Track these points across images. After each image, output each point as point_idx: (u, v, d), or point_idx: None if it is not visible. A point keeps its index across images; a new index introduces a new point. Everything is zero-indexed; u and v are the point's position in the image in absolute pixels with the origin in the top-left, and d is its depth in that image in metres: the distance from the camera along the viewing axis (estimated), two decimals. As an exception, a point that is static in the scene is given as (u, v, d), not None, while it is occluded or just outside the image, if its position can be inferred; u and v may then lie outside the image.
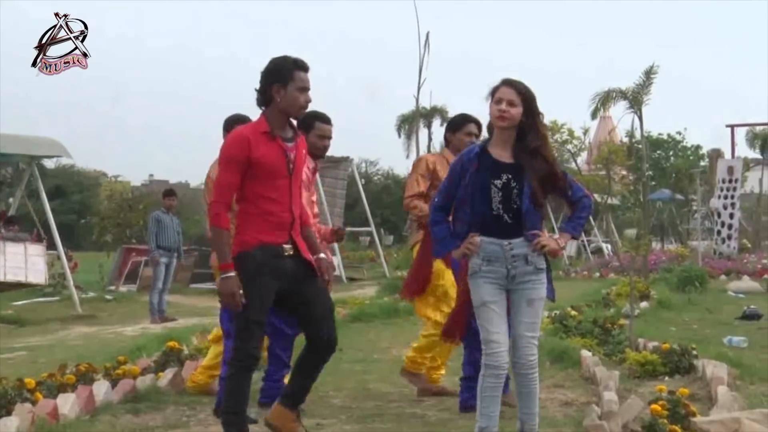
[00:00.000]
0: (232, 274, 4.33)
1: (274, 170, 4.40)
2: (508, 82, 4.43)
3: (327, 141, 5.84)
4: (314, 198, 5.95)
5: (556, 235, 4.55)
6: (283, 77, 4.43)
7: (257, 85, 4.49)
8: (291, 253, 4.45)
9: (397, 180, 46.63)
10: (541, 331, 8.70)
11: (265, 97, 4.47)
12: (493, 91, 4.43)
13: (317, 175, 6.04)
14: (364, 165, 47.34)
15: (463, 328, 5.01)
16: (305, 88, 4.48)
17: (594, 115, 23.34)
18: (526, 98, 4.40)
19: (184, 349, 7.32)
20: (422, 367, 6.23)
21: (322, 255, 4.65)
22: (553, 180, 4.43)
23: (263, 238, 4.39)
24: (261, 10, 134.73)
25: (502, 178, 4.36)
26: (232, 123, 6.14)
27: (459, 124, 6.03)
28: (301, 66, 4.48)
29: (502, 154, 4.41)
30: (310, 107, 4.68)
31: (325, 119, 5.83)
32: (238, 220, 4.46)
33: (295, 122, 4.64)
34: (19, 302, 15.09)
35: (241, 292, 4.33)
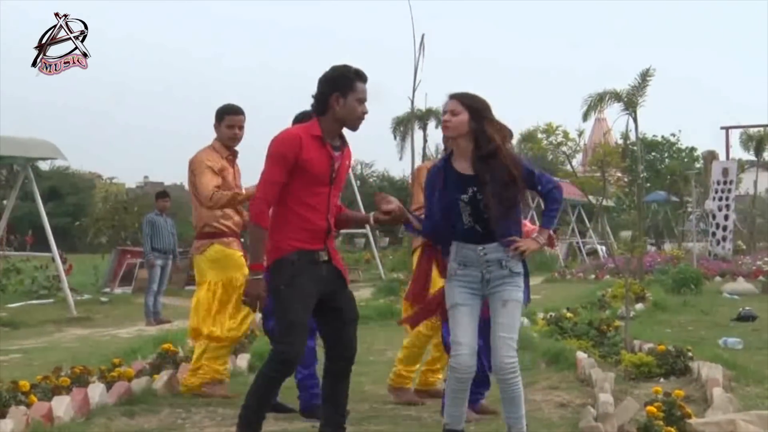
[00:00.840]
0: (261, 276, 4.32)
1: (319, 176, 4.36)
2: (451, 96, 4.49)
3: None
4: None
5: (535, 233, 4.60)
6: (343, 87, 4.40)
7: (314, 91, 4.44)
8: (326, 259, 4.43)
9: (392, 182, 46.61)
10: (536, 332, 8.86)
11: (322, 104, 4.42)
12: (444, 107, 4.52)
13: None
14: (359, 167, 47.35)
15: (420, 321, 5.20)
16: (364, 99, 4.46)
17: (586, 117, 23.32)
18: (470, 105, 4.43)
19: (179, 351, 7.30)
20: (407, 381, 6.18)
21: (371, 213, 4.71)
22: (513, 181, 4.40)
23: (299, 245, 4.35)
24: (255, 10, 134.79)
25: (468, 192, 4.39)
26: (223, 113, 6.21)
27: None
28: (361, 77, 4.47)
29: (464, 166, 4.45)
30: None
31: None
32: (273, 223, 4.38)
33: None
34: (14, 304, 15.05)
35: (264, 295, 4.31)
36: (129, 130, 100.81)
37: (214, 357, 6.22)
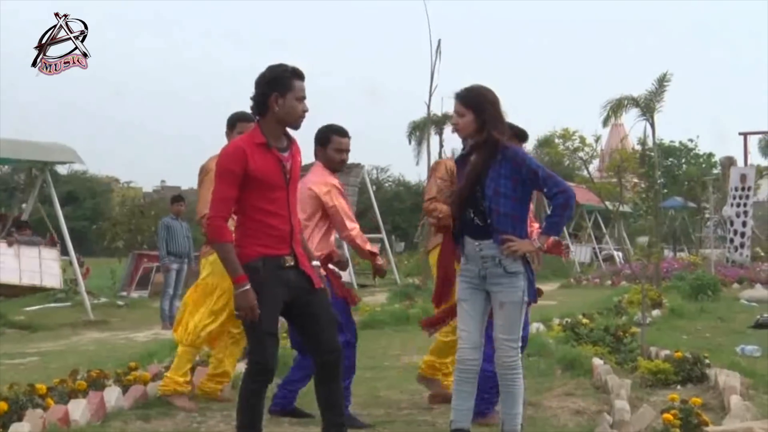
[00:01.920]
0: (248, 286, 4.21)
1: (271, 182, 4.30)
2: (455, 95, 4.59)
3: (345, 155, 5.76)
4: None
5: (534, 236, 4.61)
6: (281, 87, 4.32)
7: (252, 94, 4.37)
8: (292, 264, 4.36)
9: (408, 186, 46.65)
10: (552, 338, 8.83)
11: (261, 106, 4.35)
12: None
13: None
14: (375, 171, 47.38)
15: (439, 324, 5.30)
16: (303, 97, 4.40)
17: (606, 123, 23.28)
18: (472, 104, 4.53)
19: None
20: (439, 372, 6.14)
21: (315, 263, 4.61)
22: (513, 177, 4.46)
23: (264, 250, 4.29)
24: (268, 22, 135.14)
25: (461, 182, 4.57)
26: (235, 120, 6.18)
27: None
28: (299, 75, 4.40)
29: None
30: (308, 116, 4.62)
31: (342, 132, 5.78)
32: (237, 233, 4.35)
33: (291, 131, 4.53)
34: (31, 308, 15.14)
35: (252, 303, 4.23)
36: (147, 134, 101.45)
37: (177, 367, 6.12)
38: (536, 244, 4.51)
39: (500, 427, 4.60)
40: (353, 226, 5.59)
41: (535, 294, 4.63)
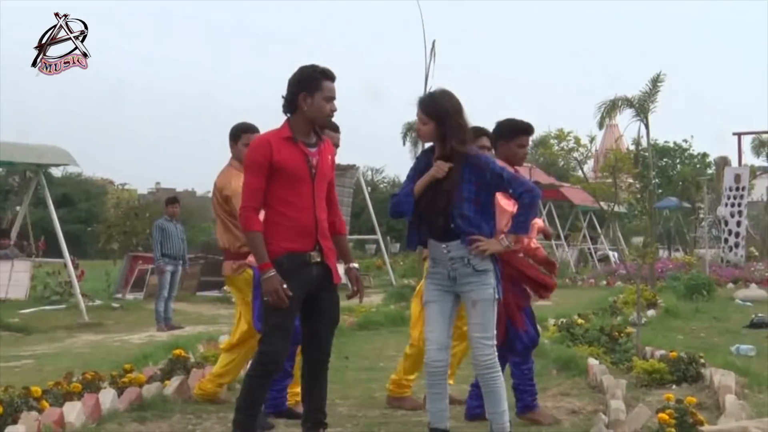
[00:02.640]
0: (273, 272, 4.36)
1: (296, 174, 4.46)
2: (417, 102, 4.62)
3: (334, 149, 5.83)
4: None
5: (502, 235, 4.57)
6: (310, 86, 4.51)
7: (284, 93, 4.55)
8: (318, 260, 4.50)
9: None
10: (547, 339, 8.84)
11: (291, 104, 4.54)
12: None
13: None
14: (369, 173, 47.40)
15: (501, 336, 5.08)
16: (332, 97, 4.56)
17: (601, 125, 23.32)
18: (432, 112, 4.56)
19: (190, 357, 7.31)
20: (407, 390, 6.18)
21: (353, 265, 4.74)
22: (474, 181, 4.51)
23: (289, 246, 4.43)
24: (263, 23, 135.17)
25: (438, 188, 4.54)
26: (239, 131, 6.16)
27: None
28: (328, 75, 4.57)
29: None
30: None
31: (333, 127, 5.82)
32: (264, 228, 4.47)
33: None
34: (26, 310, 15.10)
35: (285, 287, 4.35)
36: (141, 137, 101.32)
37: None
38: (504, 243, 4.54)
39: (489, 427, 4.60)
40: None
41: (500, 292, 4.59)
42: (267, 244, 4.42)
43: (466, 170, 4.50)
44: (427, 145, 4.78)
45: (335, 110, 4.60)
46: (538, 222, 5.81)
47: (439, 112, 4.54)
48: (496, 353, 4.56)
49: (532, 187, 4.59)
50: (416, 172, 4.65)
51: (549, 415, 5.62)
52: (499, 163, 4.83)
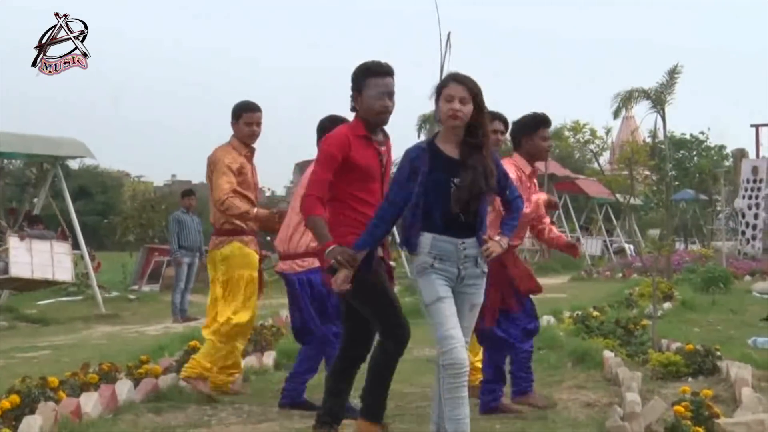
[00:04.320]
0: (335, 246, 4.27)
1: (370, 173, 4.45)
2: (456, 79, 4.21)
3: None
4: None
5: (502, 238, 4.33)
6: (358, 85, 4.51)
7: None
8: (381, 255, 4.53)
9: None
10: (562, 331, 8.82)
11: (352, 103, 4.57)
12: (441, 88, 4.22)
13: None
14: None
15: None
16: (382, 93, 4.48)
17: (616, 115, 23.23)
18: (476, 95, 4.19)
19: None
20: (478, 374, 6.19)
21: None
22: (492, 175, 4.24)
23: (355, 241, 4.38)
24: (285, 11, 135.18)
25: (458, 176, 4.18)
26: (241, 110, 6.18)
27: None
28: (374, 71, 4.51)
29: (453, 151, 4.23)
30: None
31: (339, 120, 5.83)
32: (332, 220, 4.46)
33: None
34: (43, 302, 15.22)
35: (348, 251, 4.25)
36: (157, 129, 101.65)
37: (207, 353, 6.11)
38: (504, 245, 4.30)
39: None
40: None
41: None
42: (337, 236, 4.38)
43: (487, 163, 4.25)
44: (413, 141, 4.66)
45: (387, 105, 4.48)
46: (542, 195, 5.79)
47: (480, 95, 4.20)
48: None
49: (520, 195, 4.55)
50: (415, 172, 4.18)
51: (543, 398, 5.64)
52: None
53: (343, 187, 4.45)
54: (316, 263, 5.45)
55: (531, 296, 5.71)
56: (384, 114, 4.53)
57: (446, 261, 4.20)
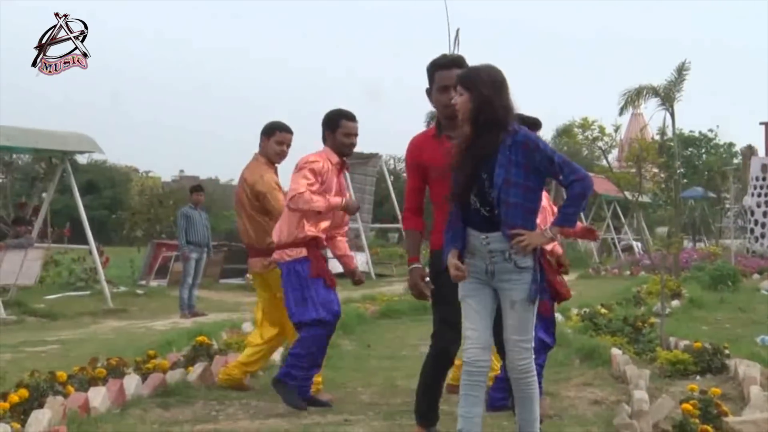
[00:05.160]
0: (415, 265, 4.52)
1: (446, 172, 4.27)
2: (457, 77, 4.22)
3: (354, 138, 5.84)
4: None
5: (545, 227, 4.20)
6: (430, 80, 4.55)
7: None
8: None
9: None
10: (570, 328, 8.80)
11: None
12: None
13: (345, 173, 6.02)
14: (392, 161, 47.30)
15: None
16: (444, 87, 4.51)
17: (622, 111, 23.14)
18: (468, 83, 4.11)
19: (213, 344, 7.35)
20: None
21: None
22: (523, 164, 4.04)
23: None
24: (301, 8, 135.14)
25: (462, 170, 4.12)
26: (274, 129, 6.21)
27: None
28: (439, 65, 4.58)
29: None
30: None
31: (350, 117, 5.84)
32: (434, 227, 4.56)
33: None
34: (52, 296, 15.26)
35: (427, 280, 4.51)
36: (166, 124, 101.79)
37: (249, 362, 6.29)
38: (548, 235, 4.11)
39: (517, 430, 4.35)
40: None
41: (539, 293, 4.15)
42: (432, 234, 4.50)
43: (513, 150, 4.03)
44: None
45: (449, 105, 4.33)
46: (557, 248, 5.80)
47: (474, 82, 4.08)
48: (533, 356, 4.20)
49: (585, 175, 4.09)
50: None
51: (550, 406, 5.63)
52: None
53: (433, 192, 4.51)
54: (304, 253, 5.63)
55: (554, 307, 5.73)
56: (450, 108, 4.31)
57: (475, 256, 4.14)
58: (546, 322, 5.50)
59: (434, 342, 4.62)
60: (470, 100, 4.07)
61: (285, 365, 5.74)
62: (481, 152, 4.06)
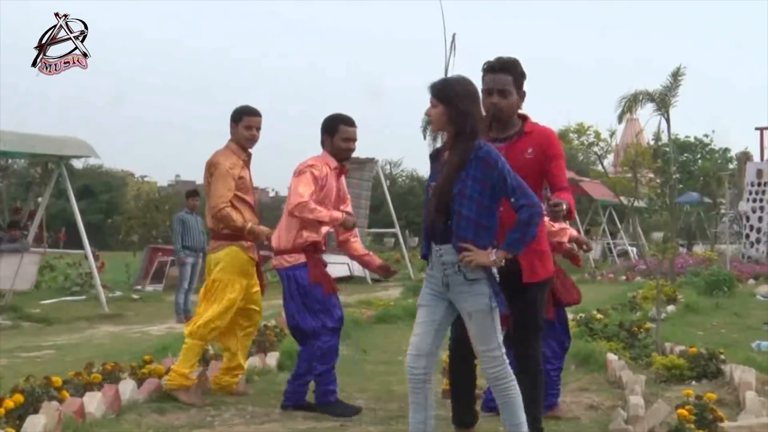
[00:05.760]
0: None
1: None
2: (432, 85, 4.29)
3: (352, 144, 5.84)
4: (349, 209, 5.94)
5: (492, 250, 4.12)
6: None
7: None
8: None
9: (421, 181, 46.54)
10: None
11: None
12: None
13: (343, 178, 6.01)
14: (388, 166, 47.36)
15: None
16: (486, 91, 4.53)
17: (621, 119, 23.21)
18: (441, 95, 4.21)
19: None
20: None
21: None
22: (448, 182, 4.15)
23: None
24: (293, 10, 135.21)
25: (437, 180, 4.24)
26: (241, 113, 6.17)
27: None
28: (488, 68, 4.59)
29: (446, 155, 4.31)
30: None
31: (349, 122, 5.84)
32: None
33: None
34: (47, 301, 15.23)
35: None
36: (162, 129, 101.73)
37: (184, 358, 6.07)
38: (492, 258, 4.09)
39: None
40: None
41: (499, 305, 4.15)
42: None
43: (473, 165, 4.09)
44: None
45: (493, 103, 4.50)
46: (572, 231, 5.86)
47: (448, 95, 4.17)
48: (506, 361, 4.19)
49: (535, 204, 4.14)
50: (429, 183, 4.36)
51: (568, 410, 5.66)
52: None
53: None
54: (303, 259, 5.63)
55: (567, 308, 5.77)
56: (491, 109, 4.54)
57: (434, 267, 4.25)
58: (553, 330, 5.53)
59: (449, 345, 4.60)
60: (445, 112, 4.17)
61: (318, 388, 5.70)
62: (455, 165, 4.12)
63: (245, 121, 6.11)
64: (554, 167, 4.50)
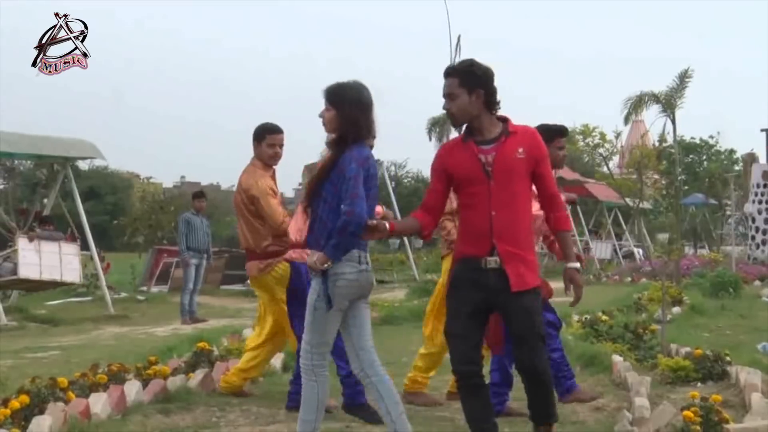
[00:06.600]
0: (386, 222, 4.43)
1: (465, 176, 4.26)
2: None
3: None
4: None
5: (317, 254, 4.28)
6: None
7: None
8: (495, 266, 4.19)
9: (426, 183, 46.59)
10: (571, 335, 8.80)
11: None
12: None
13: None
14: (393, 168, 47.37)
15: (501, 339, 4.93)
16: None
17: (627, 120, 23.21)
18: (332, 99, 4.32)
19: (214, 350, 7.35)
20: (424, 387, 6.22)
21: (571, 265, 4.37)
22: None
23: (465, 249, 4.29)
24: (307, 10, 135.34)
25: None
26: (264, 132, 6.17)
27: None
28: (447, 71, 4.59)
29: None
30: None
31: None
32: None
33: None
34: (53, 302, 15.27)
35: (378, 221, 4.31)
36: (167, 131, 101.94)
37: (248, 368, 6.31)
38: (313, 258, 4.23)
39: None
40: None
41: (323, 303, 4.27)
42: (456, 246, 4.44)
43: (333, 168, 4.24)
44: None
45: (446, 111, 4.44)
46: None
47: (340, 100, 4.29)
48: (317, 362, 4.33)
49: (355, 212, 4.16)
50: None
51: (588, 393, 5.78)
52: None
53: (457, 196, 4.50)
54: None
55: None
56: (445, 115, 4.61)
57: None
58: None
59: (451, 363, 4.42)
60: (336, 116, 4.29)
61: (345, 391, 5.65)
62: (323, 168, 4.29)
63: (268, 140, 6.11)
64: (544, 169, 4.41)
